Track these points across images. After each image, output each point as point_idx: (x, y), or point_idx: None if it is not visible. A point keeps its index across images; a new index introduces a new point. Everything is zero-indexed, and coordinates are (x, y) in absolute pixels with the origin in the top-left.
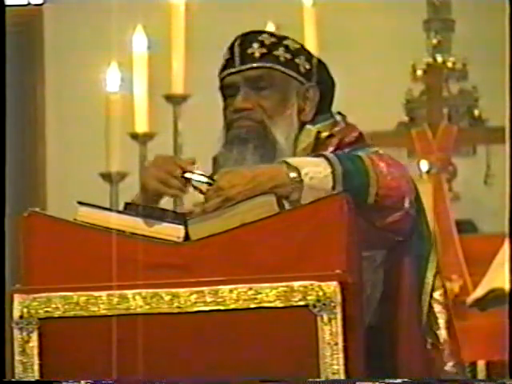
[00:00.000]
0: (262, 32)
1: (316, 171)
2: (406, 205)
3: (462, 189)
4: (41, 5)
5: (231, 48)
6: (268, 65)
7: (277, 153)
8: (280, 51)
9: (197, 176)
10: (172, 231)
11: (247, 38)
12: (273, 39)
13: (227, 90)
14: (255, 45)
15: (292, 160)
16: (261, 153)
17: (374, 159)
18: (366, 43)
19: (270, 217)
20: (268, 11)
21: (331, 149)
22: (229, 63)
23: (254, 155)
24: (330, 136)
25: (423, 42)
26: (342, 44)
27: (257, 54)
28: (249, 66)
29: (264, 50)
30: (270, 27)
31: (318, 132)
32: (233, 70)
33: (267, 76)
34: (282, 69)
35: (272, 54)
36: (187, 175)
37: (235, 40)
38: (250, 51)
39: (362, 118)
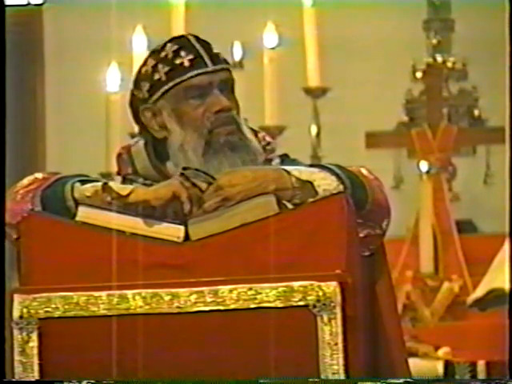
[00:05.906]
0: (192, 36)
1: (326, 183)
2: (384, 225)
3: (461, 189)
4: (41, 5)
5: (184, 49)
6: (228, 66)
7: (251, 153)
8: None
9: (196, 174)
10: (172, 231)
11: (196, 40)
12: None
13: (193, 91)
14: (213, 46)
15: (297, 172)
16: (240, 156)
17: (365, 174)
18: (365, 43)
19: (270, 217)
20: (268, 11)
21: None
22: (196, 63)
23: (235, 158)
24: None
25: (423, 42)
26: (341, 44)
27: (221, 56)
28: (223, 66)
29: (219, 52)
30: (270, 27)
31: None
32: (208, 69)
33: (231, 77)
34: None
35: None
36: (186, 172)
37: (179, 42)
38: (215, 51)
39: (362, 118)
